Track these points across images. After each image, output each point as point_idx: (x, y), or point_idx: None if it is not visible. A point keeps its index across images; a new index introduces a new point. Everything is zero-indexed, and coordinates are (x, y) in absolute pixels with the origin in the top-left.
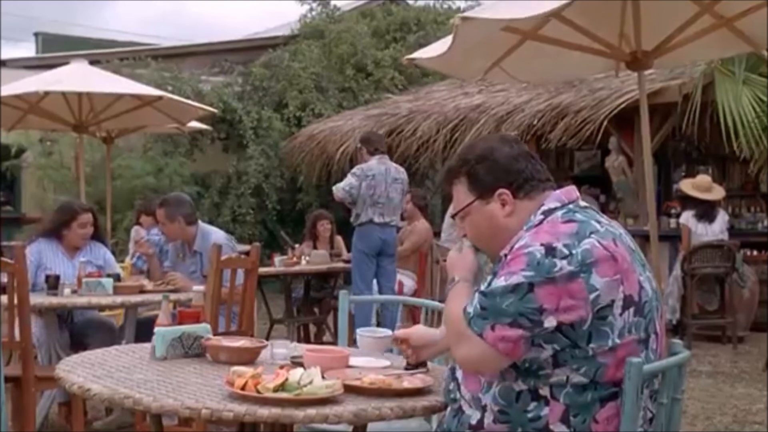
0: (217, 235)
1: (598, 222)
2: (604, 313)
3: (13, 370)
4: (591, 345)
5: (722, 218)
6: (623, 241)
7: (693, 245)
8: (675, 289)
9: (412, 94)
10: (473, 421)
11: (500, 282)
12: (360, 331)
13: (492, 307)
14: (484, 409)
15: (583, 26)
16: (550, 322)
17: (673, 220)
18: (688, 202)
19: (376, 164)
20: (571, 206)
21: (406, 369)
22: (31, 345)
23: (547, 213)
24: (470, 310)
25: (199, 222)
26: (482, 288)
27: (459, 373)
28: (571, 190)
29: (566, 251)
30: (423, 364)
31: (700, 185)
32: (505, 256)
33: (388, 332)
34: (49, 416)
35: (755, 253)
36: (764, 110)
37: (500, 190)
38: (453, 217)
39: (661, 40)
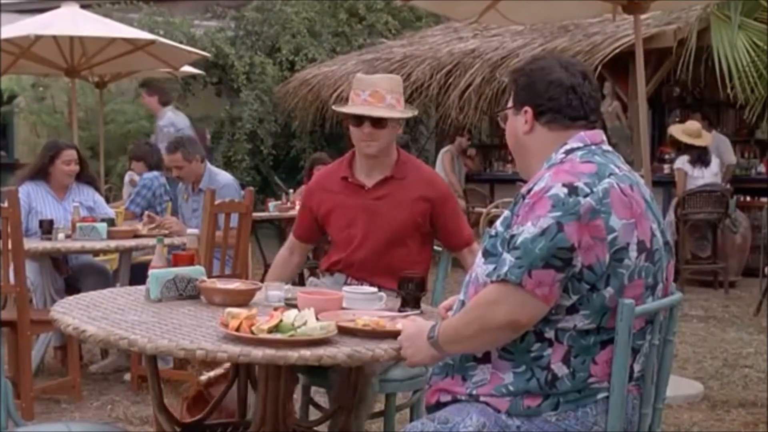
0: (224, 175)
1: (617, 167)
2: (620, 255)
3: (8, 314)
4: (608, 288)
5: (716, 162)
6: (640, 189)
7: (687, 191)
8: (668, 234)
9: (406, 39)
10: (479, 354)
11: (528, 229)
12: (346, 289)
13: (525, 254)
14: None
15: None
16: (577, 261)
17: (666, 166)
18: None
19: (175, 116)
20: (593, 148)
21: (400, 311)
22: (26, 289)
23: (569, 152)
24: (503, 270)
25: (206, 162)
26: (513, 242)
27: None
28: (597, 134)
29: (587, 189)
30: (417, 306)
31: (690, 131)
32: (523, 197)
33: (374, 290)
34: (44, 360)
35: (748, 198)
36: (759, 56)
37: (526, 107)
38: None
39: None
